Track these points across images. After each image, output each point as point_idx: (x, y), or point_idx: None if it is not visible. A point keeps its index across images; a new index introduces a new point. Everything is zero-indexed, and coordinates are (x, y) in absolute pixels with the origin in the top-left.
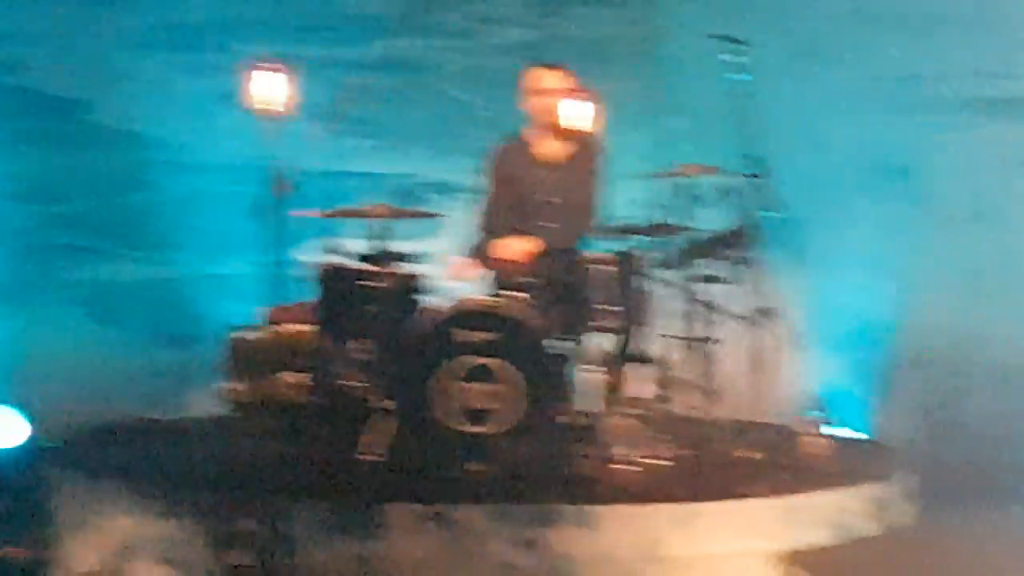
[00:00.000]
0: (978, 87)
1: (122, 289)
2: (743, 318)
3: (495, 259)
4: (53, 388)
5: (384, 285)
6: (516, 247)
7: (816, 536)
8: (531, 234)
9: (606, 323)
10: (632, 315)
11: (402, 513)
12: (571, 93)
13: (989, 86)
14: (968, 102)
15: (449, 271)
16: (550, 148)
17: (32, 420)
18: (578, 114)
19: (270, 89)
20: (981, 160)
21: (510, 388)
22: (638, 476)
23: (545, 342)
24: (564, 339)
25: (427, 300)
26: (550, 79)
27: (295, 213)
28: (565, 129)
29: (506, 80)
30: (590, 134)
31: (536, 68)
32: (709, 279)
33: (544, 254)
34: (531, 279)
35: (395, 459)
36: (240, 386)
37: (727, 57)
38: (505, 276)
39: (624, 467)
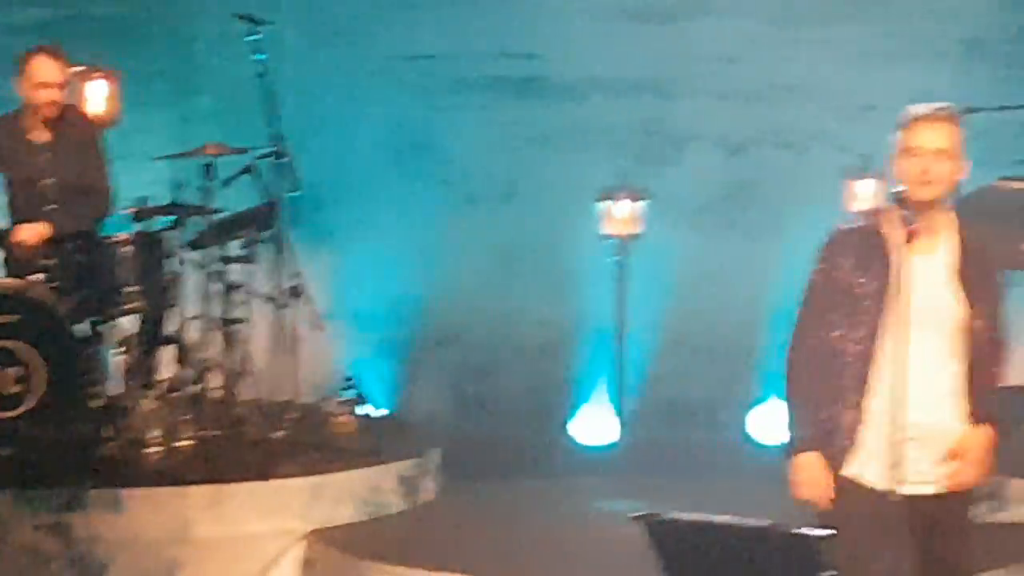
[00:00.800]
0: (501, 67)
1: None
2: (270, 298)
3: (12, 243)
4: None
5: None
6: (28, 231)
7: (345, 513)
8: (44, 218)
9: (132, 305)
10: (158, 297)
11: None
12: (59, 76)
13: (511, 66)
14: (492, 81)
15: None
16: (42, 130)
17: None
18: (90, 95)
19: None
20: (506, 139)
21: (33, 371)
22: (166, 458)
23: (69, 324)
24: (89, 321)
25: None
26: (37, 66)
27: None
28: (60, 110)
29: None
30: (86, 114)
31: (26, 53)
32: (235, 259)
33: (59, 237)
34: (48, 262)
35: None
36: None
37: (252, 37)
38: (21, 260)
39: (152, 449)
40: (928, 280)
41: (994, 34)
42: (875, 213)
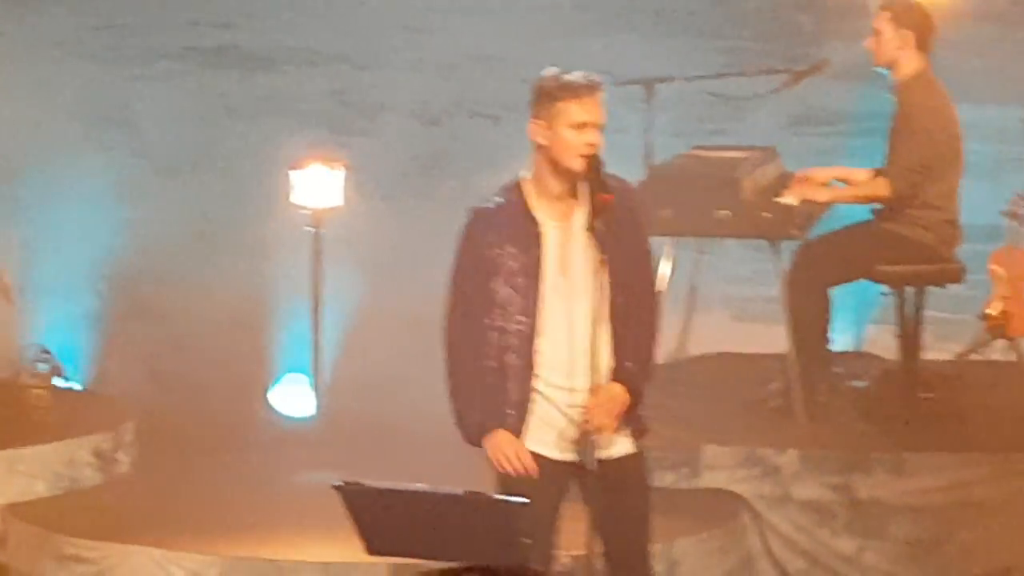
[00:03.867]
0: (192, 36)
1: None
2: None
3: None
4: None
5: None
6: None
7: (40, 487)
8: None
9: None
10: None
11: None
12: None
13: (203, 35)
14: (184, 51)
15: None
16: None
17: None
18: None
19: None
20: (199, 109)
21: None
22: None
23: None
24: None
25: None
26: None
27: None
28: None
29: None
30: None
31: None
32: None
33: None
34: None
35: None
36: None
37: None
38: None
39: None
40: (573, 248)
41: (682, 5)
42: (516, 187)
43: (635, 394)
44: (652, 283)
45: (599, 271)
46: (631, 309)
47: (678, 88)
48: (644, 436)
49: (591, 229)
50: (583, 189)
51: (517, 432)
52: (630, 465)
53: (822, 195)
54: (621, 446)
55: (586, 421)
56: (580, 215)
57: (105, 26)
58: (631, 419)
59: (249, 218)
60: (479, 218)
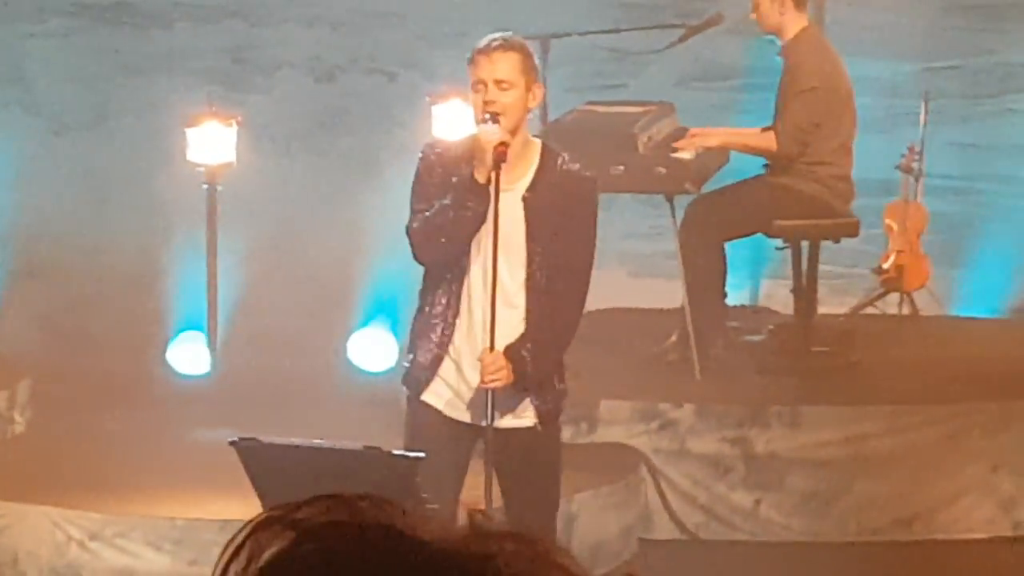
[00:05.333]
0: None
1: None
2: None
3: None
4: None
5: None
6: None
7: None
8: None
9: None
10: None
11: None
12: None
13: None
14: (77, 8)
15: None
16: None
17: None
18: None
19: None
20: (93, 66)
21: None
22: None
23: None
24: None
25: None
26: None
27: None
28: None
29: None
30: None
31: None
32: None
33: None
34: None
35: None
36: None
37: None
38: None
39: None
40: (506, 212)
41: None
42: (463, 142)
43: (529, 371)
44: (586, 274)
45: (522, 239)
46: (555, 290)
47: (573, 43)
48: (550, 416)
49: (528, 196)
50: (529, 155)
51: (425, 383)
52: (528, 438)
53: (712, 140)
54: (523, 418)
55: (482, 381)
56: (522, 184)
57: None
58: (542, 395)
59: (144, 175)
60: (430, 156)
